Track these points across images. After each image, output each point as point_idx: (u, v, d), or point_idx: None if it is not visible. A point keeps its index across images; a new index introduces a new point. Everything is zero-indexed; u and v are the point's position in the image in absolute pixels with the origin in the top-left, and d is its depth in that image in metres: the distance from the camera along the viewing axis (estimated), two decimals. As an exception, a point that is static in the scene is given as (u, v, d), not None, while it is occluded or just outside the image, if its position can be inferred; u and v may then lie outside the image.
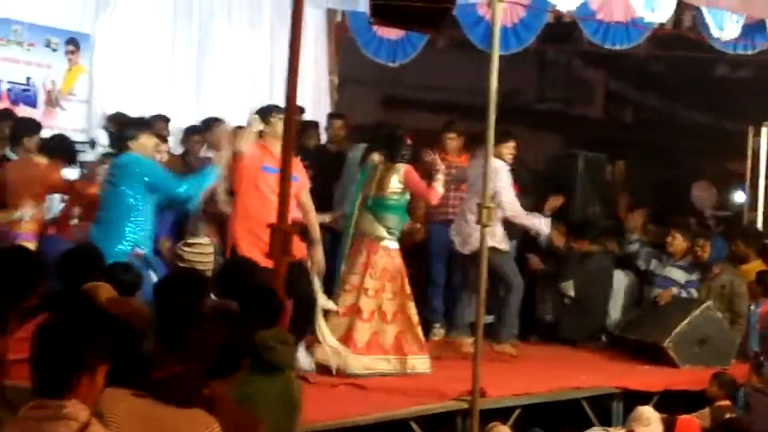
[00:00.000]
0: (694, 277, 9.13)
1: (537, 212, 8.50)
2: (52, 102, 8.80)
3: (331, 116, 9.61)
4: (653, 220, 10.11)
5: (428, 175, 7.66)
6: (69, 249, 5.37)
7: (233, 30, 9.92)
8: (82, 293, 4.71)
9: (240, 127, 7.33)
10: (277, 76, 9.49)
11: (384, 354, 7.12)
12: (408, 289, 7.33)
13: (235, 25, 9.95)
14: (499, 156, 7.82)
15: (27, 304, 4.40)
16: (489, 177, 6.52)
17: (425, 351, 7.34)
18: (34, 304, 4.40)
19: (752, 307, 8.47)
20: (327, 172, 8.43)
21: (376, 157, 7.59)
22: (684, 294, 9.03)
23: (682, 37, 9.66)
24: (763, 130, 10.47)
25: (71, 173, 7.56)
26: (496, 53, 6.40)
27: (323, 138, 9.33)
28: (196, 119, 8.88)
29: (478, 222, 6.39)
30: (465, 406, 6.39)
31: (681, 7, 8.90)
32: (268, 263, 5.26)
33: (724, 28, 8.88)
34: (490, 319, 7.95)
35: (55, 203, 7.64)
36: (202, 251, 5.90)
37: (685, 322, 8.46)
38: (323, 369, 6.95)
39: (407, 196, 7.50)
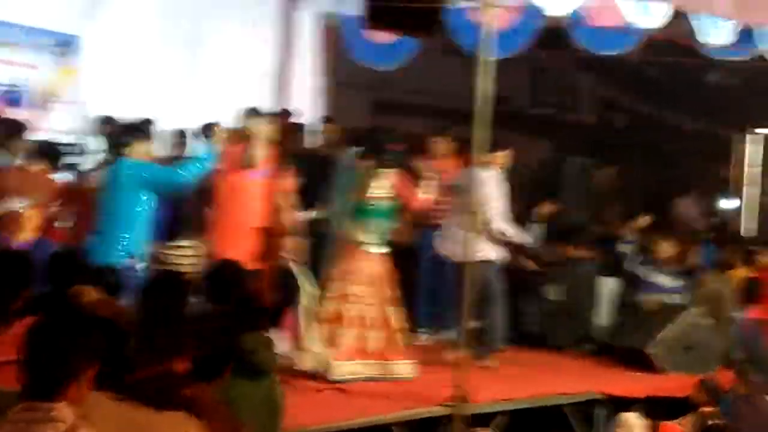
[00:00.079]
0: (681, 283, 9.16)
1: (527, 217, 8.48)
2: (40, 104, 8.79)
3: (323, 120, 9.63)
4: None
5: (417, 180, 7.68)
6: (56, 251, 5.41)
7: (223, 31, 9.88)
8: (69, 296, 4.75)
9: (235, 129, 7.39)
10: (269, 78, 9.48)
11: (367, 359, 7.11)
12: (392, 293, 7.29)
13: (225, 27, 9.92)
14: (493, 164, 7.81)
15: (13, 306, 4.44)
16: (477, 185, 6.53)
17: (408, 356, 7.32)
18: (20, 306, 4.43)
19: (738, 314, 8.52)
20: (317, 176, 8.43)
21: (363, 161, 7.60)
22: (671, 300, 9.05)
23: (675, 44, 9.68)
24: (747, 137, 10.49)
25: (60, 177, 7.58)
26: (489, 59, 6.37)
27: (311, 141, 9.32)
28: (185, 121, 8.89)
29: (466, 229, 6.40)
30: (449, 411, 6.39)
31: (674, 14, 8.92)
32: (252, 266, 5.30)
33: (718, 34, 8.90)
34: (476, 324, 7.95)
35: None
36: (183, 253, 5.94)
37: (671, 328, 8.49)
38: (308, 374, 6.95)
39: (395, 202, 7.43)
